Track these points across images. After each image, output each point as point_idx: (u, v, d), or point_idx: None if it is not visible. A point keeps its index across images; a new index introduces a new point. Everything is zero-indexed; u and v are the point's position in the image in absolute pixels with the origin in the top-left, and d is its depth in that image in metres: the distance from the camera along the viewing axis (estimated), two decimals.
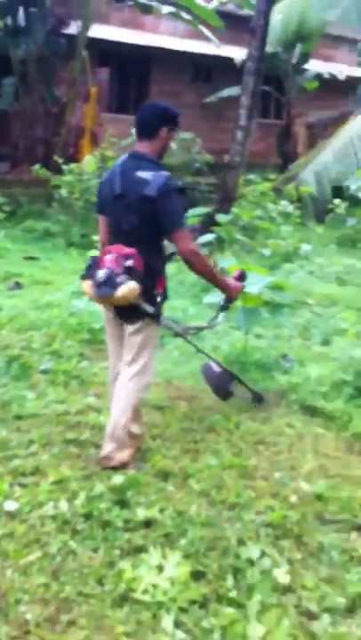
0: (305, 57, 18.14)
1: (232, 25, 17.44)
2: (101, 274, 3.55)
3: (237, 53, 17.11)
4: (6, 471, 3.74)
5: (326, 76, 19.31)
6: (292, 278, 8.58)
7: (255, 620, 2.62)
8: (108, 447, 3.81)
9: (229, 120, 14.78)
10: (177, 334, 4.00)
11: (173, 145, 13.47)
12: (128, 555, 3.01)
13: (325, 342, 6.23)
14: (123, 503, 3.41)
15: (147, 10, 15.62)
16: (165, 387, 5.25)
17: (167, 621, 2.60)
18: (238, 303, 5.54)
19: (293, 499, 3.55)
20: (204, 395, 5.04)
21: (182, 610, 2.67)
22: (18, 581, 2.82)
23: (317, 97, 20.48)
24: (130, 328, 3.81)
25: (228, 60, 18.16)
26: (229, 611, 2.68)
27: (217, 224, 9.20)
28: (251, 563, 2.98)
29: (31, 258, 10.69)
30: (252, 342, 5.99)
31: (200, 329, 4.20)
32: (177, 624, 2.60)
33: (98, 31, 16.19)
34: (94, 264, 3.65)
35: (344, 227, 12.10)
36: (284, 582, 2.86)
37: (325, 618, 2.67)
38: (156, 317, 3.75)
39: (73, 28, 15.20)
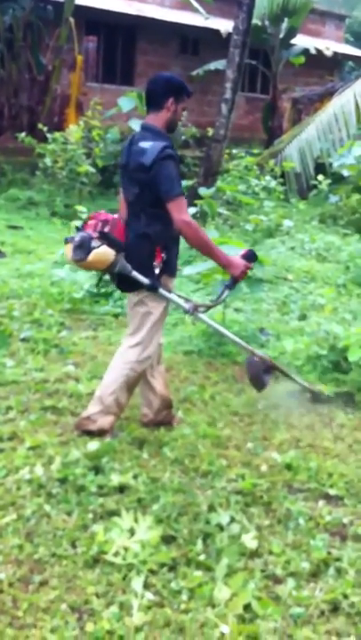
0: (292, 31, 18.03)
1: None
2: (77, 237, 3.60)
3: (225, 26, 16.99)
4: None
5: (313, 51, 19.22)
6: (272, 254, 8.63)
7: (222, 583, 2.70)
8: (92, 409, 3.86)
9: (216, 93, 14.70)
10: (186, 312, 3.93)
11: None
12: (101, 518, 3.09)
13: (303, 317, 6.31)
14: (97, 469, 3.49)
15: None
16: None
17: (137, 583, 2.68)
18: (218, 276, 5.61)
19: (264, 468, 3.64)
20: (181, 366, 5.12)
21: (152, 572, 2.76)
22: None
23: (304, 72, 20.44)
24: (132, 299, 3.83)
25: (216, 33, 18.05)
26: (198, 574, 2.76)
27: (200, 197, 9.22)
28: (220, 528, 3.07)
29: (14, 227, 10.67)
30: (231, 316, 6.06)
31: (208, 307, 4.14)
32: (146, 585, 2.69)
33: None
34: (79, 229, 3.71)
35: (326, 203, 12.14)
36: (252, 547, 2.95)
37: (290, 582, 2.76)
38: (152, 289, 3.73)
39: None
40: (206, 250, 3.77)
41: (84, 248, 3.58)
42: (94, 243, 3.57)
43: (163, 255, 3.76)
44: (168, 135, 3.78)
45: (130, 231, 3.76)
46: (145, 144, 3.66)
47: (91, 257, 3.58)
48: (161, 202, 3.63)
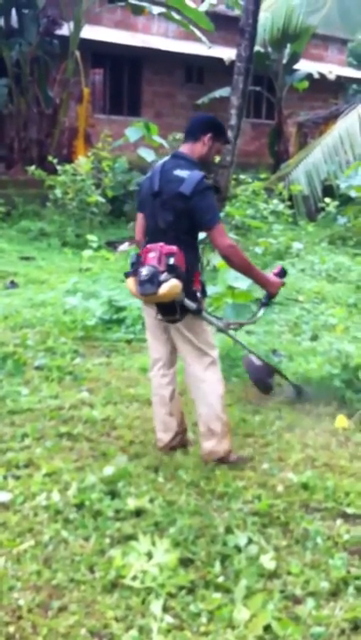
0: (295, 57, 18.23)
1: (223, 26, 17.56)
2: (145, 271, 3.56)
3: (228, 54, 17.19)
4: (0, 463, 3.82)
5: (316, 75, 19.39)
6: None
7: (241, 605, 2.69)
8: (208, 444, 3.89)
9: (221, 120, 14.85)
10: (219, 330, 4.01)
11: (166, 145, 13.55)
12: (118, 543, 3.09)
13: (314, 338, 6.31)
14: (114, 494, 3.50)
15: (138, 11, 15.69)
16: None
17: (156, 606, 2.67)
18: (228, 299, 5.65)
19: (280, 488, 3.63)
20: None
21: (171, 595, 2.75)
22: (11, 569, 2.90)
23: (308, 97, 20.62)
24: (181, 327, 3.82)
25: (220, 61, 18.26)
26: (216, 596, 2.75)
27: None
28: (238, 550, 3.06)
29: (26, 258, 10.77)
30: (243, 338, 6.06)
31: (242, 324, 4.22)
32: (165, 609, 2.68)
33: (90, 32, 16.28)
34: (138, 262, 3.68)
35: (335, 225, 12.19)
36: (270, 568, 2.93)
37: (310, 602, 2.74)
38: (198, 313, 3.77)
39: (65, 30, 15.27)
40: (248, 271, 3.87)
41: (153, 282, 3.55)
42: (163, 276, 3.54)
43: (201, 279, 3.84)
44: (200, 166, 3.81)
45: None
46: (181, 172, 3.68)
47: (162, 290, 3.53)
48: (194, 229, 3.73)
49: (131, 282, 3.69)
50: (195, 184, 3.61)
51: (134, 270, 3.66)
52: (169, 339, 3.97)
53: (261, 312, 4.17)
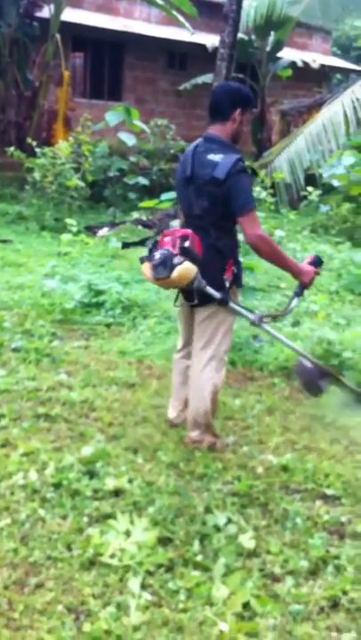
0: (279, 45, 18.15)
1: (206, 12, 17.43)
2: (158, 255, 3.48)
3: (211, 40, 17.11)
4: None
5: (300, 64, 19.35)
6: (265, 262, 8.61)
7: (220, 582, 2.68)
8: (193, 434, 3.87)
9: (204, 107, 14.77)
10: (253, 324, 3.85)
11: (147, 130, 13.46)
12: (97, 522, 3.07)
13: (296, 324, 6.30)
14: (92, 474, 3.47)
15: None
16: (137, 365, 5.30)
17: (134, 583, 2.65)
18: None
19: (260, 470, 3.62)
20: None
21: (149, 573, 2.73)
22: None
23: (292, 85, 20.56)
24: (201, 314, 3.76)
25: (203, 48, 18.14)
26: (195, 574, 2.74)
27: None
28: (217, 529, 3.05)
29: (3, 241, 10.64)
30: None
31: (275, 316, 4.02)
32: (144, 586, 2.66)
33: (71, 15, 16.09)
34: (154, 247, 3.59)
35: (317, 213, 12.20)
36: (249, 547, 2.93)
37: (289, 580, 2.74)
38: (223, 302, 3.67)
39: (46, 12, 15.07)
40: (279, 262, 3.70)
41: (166, 266, 3.45)
42: (176, 259, 3.45)
43: (233, 269, 3.72)
44: (236, 147, 3.69)
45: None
46: (215, 157, 3.56)
47: (175, 274, 3.43)
48: (231, 216, 3.57)
49: (146, 267, 3.56)
50: (229, 167, 3.49)
51: (149, 256, 3.56)
52: (193, 325, 3.89)
53: (295, 302, 3.99)
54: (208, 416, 3.81)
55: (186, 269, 3.43)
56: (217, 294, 3.63)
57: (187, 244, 3.47)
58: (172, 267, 3.43)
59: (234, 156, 3.54)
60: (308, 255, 3.91)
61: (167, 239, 3.55)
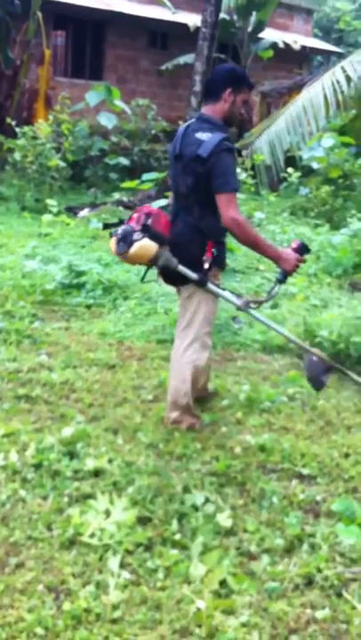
0: (260, 25, 18.08)
1: None
2: (120, 230, 3.53)
3: (193, 20, 17.00)
4: None
5: (281, 45, 19.29)
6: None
7: (197, 561, 2.73)
8: (173, 414, 3.88)
9: (185, 87, 14.73)
10: (238, 308, 3.83)
11: (128, 110, 13.38)
12: (77, 502, 3.11)
13: (275, 306, 6.35)
14: (72, 454, 3.50)
15: None
16: (117, 347, 5.33)
17: (113, 562, 2.70)
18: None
19: (238, 450, 3.68)
20: (154, 354, 5.14)
21: (128, 552, 2.78)
22: None
23: (272, 66, 20.50)
24: (183, 294, 3.78)
25: (184, 27, 18.03)
26: (173, 552, 2.79)
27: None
28: (195, 508, 3.10)
29: None
30: None
31: (260, 302, 4.01)
32: (123, 565, 2.71)
33: None
34: (123, 222, 3.64)
35: (297, 196, 12.22)
36: (226, 526, 2.98)
37: (265, 558, 2.80)
38: (201, 284, 3.66)
39: None
40: (255, 247, 3.66)
41: (126, 241, 3.50)
42: (135, 235, 3.49)
43: (213, 250, 3.68)
44: (226, 127, 3.71)
45: (180, 223, 3.70)
46: (202, 135, 3.58)
47: (132, 250, 3.48)
48: (212, 197, 3.56)
49: (112, 241, 3.60)
50: (213, 146, 3.50)
51: (115, 230, 3.61)
52: None
53: (277, 289, 3.94)
54: (188, 397, 3.83)
55: (143, 247, 3.48)
56: (193, 275, 3.63)
57: (148, 221, 3.50)
58: (131, 242, 3.48)
59: (220, 135, 3.55)
60: (294, 240, 3.88)
61: (135, 215, 3.60)
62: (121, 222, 3.68)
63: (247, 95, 3.80)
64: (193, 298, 3.75)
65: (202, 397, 4.17)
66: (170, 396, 3.90)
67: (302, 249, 3.75)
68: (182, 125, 3.84)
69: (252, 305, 3.85)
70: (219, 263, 3.80)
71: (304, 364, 4.32)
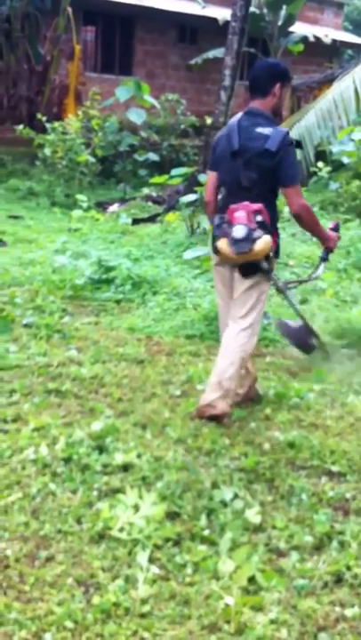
0: (290, 19, 17.96)
1: None
2: (240, 230, 3.62)
3: (223, 14, 16.94)
4: None
5: (311, 39, 19.16)
6: None
7: (226, 557, 2.73)
8: (211, 395, 3.87)
9: (214, 82, 14.67)
10: (278, 289, 4.18)
11: (157, 105, 13.38)
12: (106, 496, 3.12)
13: (304, 301, 6.32)
14: (101, 449, 3.51)
15: None
16: (146, 342, 5.34)
17: (142, 557, 2.70)
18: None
19: (267, 446, 3.66)
20: (183, 350, 5.14)
21: (157, 547, 2.78)
22: None
23: (302, 60, 20.36)
24: (245, 283, 3.87)
25: (214, 21, 17.99)
26: (202, 548, 2.79)
27: (201, 184, 9.20)
28: (224, 504, 3.10)
29: (15, 217, 10.69)
30: None
31: (301, 282, 4.34)
32: (151, 560, 2.71)
33: None
34: (223, 222, 3.73)
35: (327, 190, 12.12)
36: (255, 522, 2.97)
37: (293, 555, 2.79)
38: (268, 273, 3.86)
39: None
40: (317, 229, 3.99)
41: (248, 240, 3.61)
42: (256, 233, 3.63)
43: (277, 239, 3.88)
44: (276, 121, 3.87)
45: None
46: (264, 130, 3.71)
47: (257, 247, 3.63)
48: (276, 188, 3.79)
49: (223, 243, 3.71)
50: (280, 140, 3.66)
51: (223, 231, 3.70)
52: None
53: (322, 267, 4.30)
54: (233, 381, 3.85)
55: (266, 242, 3.64)
56: (266, 265, 3.81)
57: (261, 218, 3.65)
58: (254, 240, 3.61)
59: (283, 129, 3.73)
60: (332, 221, 4.21)
61: (240, 214, 3.67)
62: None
63: (288, 88, 3.90)
64: (256, 286, 3.87)
65: (249, 399, 4.19)
66: (215, 377, 3.88)
67: (338, 228, 4.20)
68: (232, 121, 3.90)
69: (291, 285, 4.28)
70: (278, 252, 3.98)
71: (283, 331, 4.78)
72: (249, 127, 3.77)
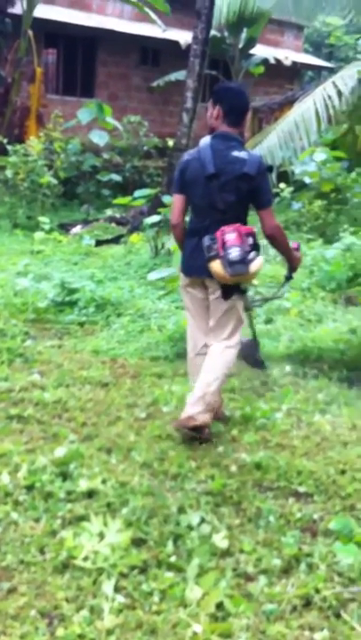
0: (251, 42, 18.20)
1: (179, 8, 17.42)
2: (236, 252, 3.66)
3: (184, 37, 17.08)
4: None
5: (272, 61, 19.39)
6: None
7: (193, 583, 2.67)
8: (194, 409, 3.85)
9: (177, 104, 14.75)
10: (247, 308, 4.26)
11: (120, 127, 13.40)
12: (70, 524, 3.05)
13: (269, 321, 6.32)
14: (65, 475, 3.44)
15: None
16: (111, 364, 5.29)
17: (107, 586, 2.64)
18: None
19: (233, 468, 3.63)
20: (147, 372, 5.09)
21: (123, 575, 2.72)
22: None
23: (264, 82, 20.59)
24: (224, 304, 3.91)
25: (175, 44, 18.12)
26: (169, 575, 2.73)
27: (164, 205, 9.21)
28: (191, 529, 3.05)
29: None
30: None
31: (267, 299, 4.43)
32: (117, 589, 2.64)
33: (44, 11, 16.00)
34: (214, 244, 3.72)
35: (290, 210, 12.23)
36: (223, 547, 2.92)
37: (262, 579, 2.74)
38: (245, 293, 4.00)
39: (18, 8, 14.98)
40: (287, 250, 4.08)
41: (244, 262, 3.67)
42: (251, 255, 3.70)
43: None
44: None
45: None
46: (240, 154, 3.82)
47: (252, 269, 3.73)
48: (247, 210, 3.90)
49: (217, 264, 3.72)
50: (258, 164, 3.78)
51: (216, 254, 3.71)
52: (207, 318, 4.05)
53: (286, 286, 4.47)
54: (215, 396, 3.89)
55: (260, 264, 3.75)
56: (245, 285, 3.96)
57: (251, 240, 3.73)
58: (249, 262, 3.69)
59: (256, 154, 3.93)
60: (293, 242, 4.29)
61: (231, 237, 3.71)
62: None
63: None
64: (235, 307, 3.94)
65: (216, 419, 4.15)
66: (199, 390, 3.87)
67: (299, 248, 4.30)
68: (203, 145, 3.93)
69: (257, 303, 4.49)
70: None
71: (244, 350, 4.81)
72: (224, 151, 3.83)
